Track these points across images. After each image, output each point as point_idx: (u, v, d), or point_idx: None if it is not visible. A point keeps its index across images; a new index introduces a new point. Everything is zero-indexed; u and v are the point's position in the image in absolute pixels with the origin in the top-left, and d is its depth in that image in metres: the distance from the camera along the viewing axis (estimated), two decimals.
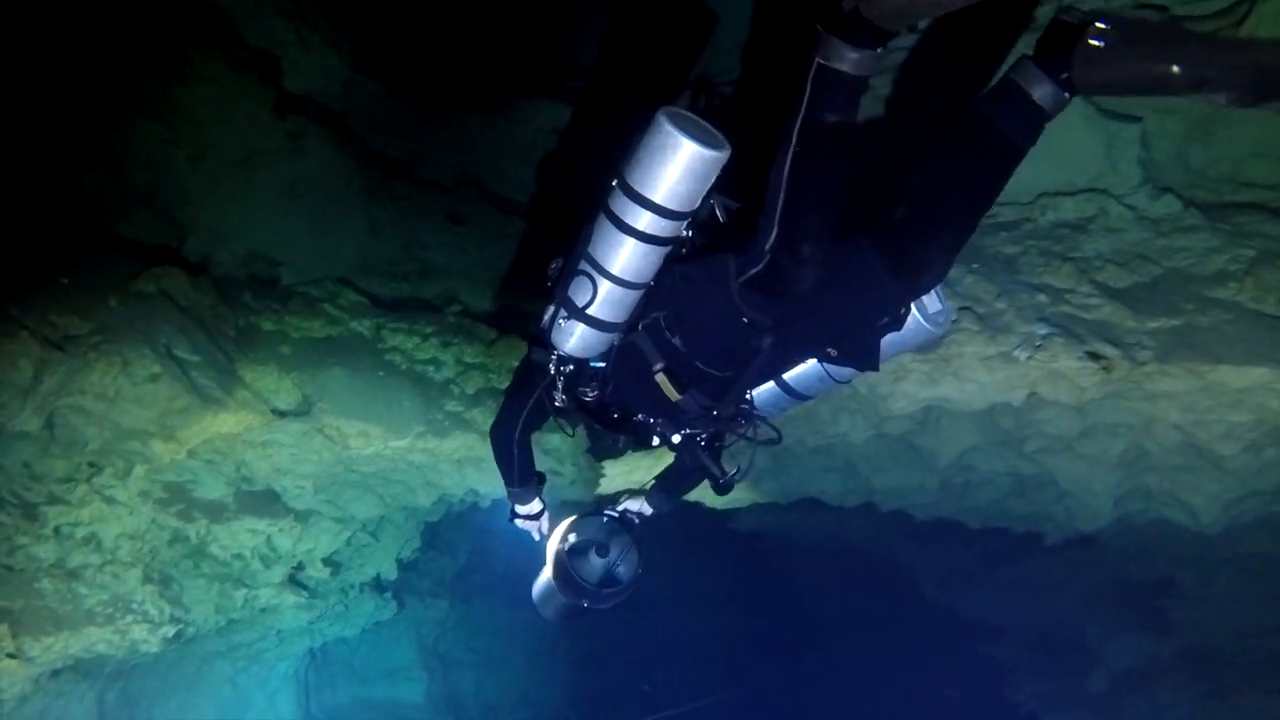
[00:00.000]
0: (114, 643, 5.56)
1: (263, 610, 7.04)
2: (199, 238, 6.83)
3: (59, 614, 5.43)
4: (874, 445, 5.34)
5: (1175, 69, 1.88)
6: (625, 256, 2.49)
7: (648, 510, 3.62)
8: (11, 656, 5.04)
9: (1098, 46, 1.98)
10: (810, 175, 2.21)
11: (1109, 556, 7.41)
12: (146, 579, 5.91)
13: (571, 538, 3.29)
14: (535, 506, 3.59)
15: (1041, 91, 2.10)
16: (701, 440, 2.93)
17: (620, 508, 3.61)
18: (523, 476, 3.41)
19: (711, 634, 15.76)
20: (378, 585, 9.08)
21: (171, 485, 6.03)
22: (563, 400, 2.87)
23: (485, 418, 6.35)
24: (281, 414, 5.99)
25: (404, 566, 8.74)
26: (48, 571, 5.52)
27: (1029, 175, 4.51)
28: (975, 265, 4.38)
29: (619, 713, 14.69)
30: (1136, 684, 7.35)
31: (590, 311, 2.60)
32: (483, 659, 13.63)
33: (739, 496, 6.40)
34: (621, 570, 3.26)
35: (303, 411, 6.09)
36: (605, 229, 2.49)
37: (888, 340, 2.66)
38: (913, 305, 2.60)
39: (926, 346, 3.10)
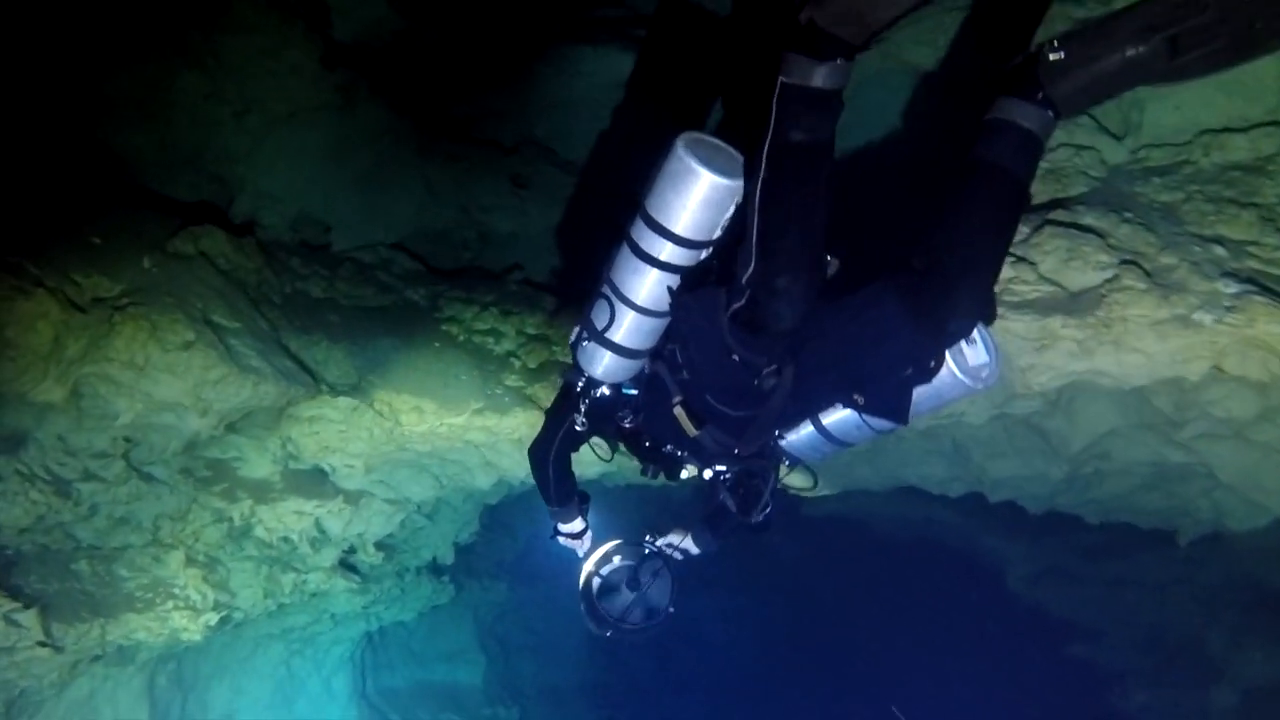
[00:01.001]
0: (153, 630, 5.14)
1: (314, 595, 6.60)
2: (246, 199, 6.35)
3: (96, 599, 5.02)
4: (993, 428, 4.61)
5: (1141, 47, 1.83)
6: (646, 285, 2.44)
7: (693, 549, 3.44)
8: (43, 645, 4.64)
9: (1059, 58, 1.95)
10: (782, 202, 2.09)
11: (1239, 556, 6.57)
12: (190, 562, 5.48)
13: (605, 567, 3.24)
14: (577, 525, 3.50)
15: (1025, 116, 2.04)
16: (726, 478, 2.87)
17: (664, 541, 3.43)
18: (561, 496, 3.35)
19: (774, 620, 15.11)
20: (434, 569, 8.63)
21: (215, 463, 5.59)
22: (583, 424, 2.83)
23: (548, 393, 5.76)
24: (330, 387, 5.49)
25: (461, 549, 8.27)
26: (86, 552, 5.12)
27: (1186, 110, 3.73)
28: (1128, 214, 3.63)
29: (681, 702, 14.16)
30: (1269, 700, 6.50)
31: (610, 336, 2.57)
32: (542, 642, 13.21)
33: (828, 484, 5.73)
34: (649, 607, 3.16)
35: (352, 385, 5.59)
36: (626, 256, 2.44)
37: (924, 392, 2.50)
38: (950, 357, 2.42)
39: (971, 396, 2.74)
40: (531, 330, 6.45)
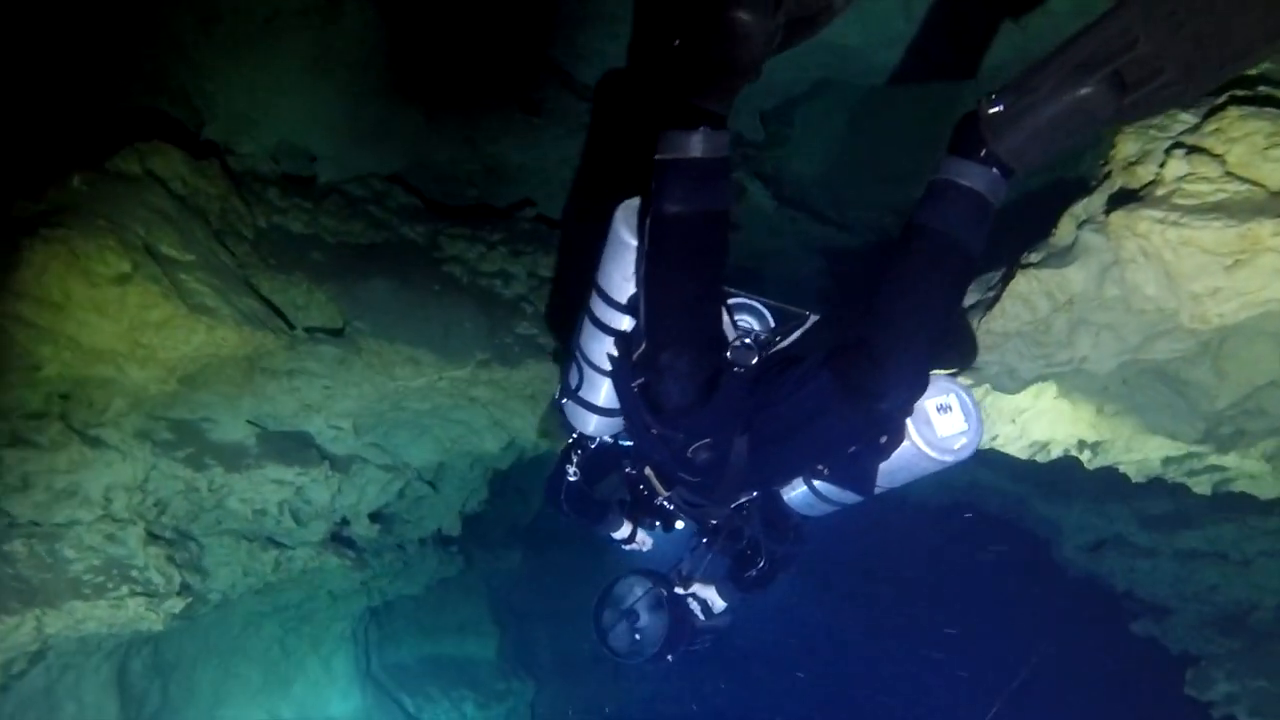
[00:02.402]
0: (104, 619, 4.30)
1: (304, 572, 5.78)
2: (218, 124, 5.40)
3: (34, 585, 4.18)
4: (1120, 377, 3.69)
5: (1082, 89, 1.69)
6: (604, 352, 2.43)
7: (716, 603, 3.20)
8: None
9: (997, 111, 1.82)
10: (663, 280, 2.04)
11: None
12: (151, 539, 4.64)
13: (622, 587, 3.12)
14: (625, 529, 3.33)
15: (968, 175, 1.87)
16: (718, 535, 2.79)
17: (688, 591, 3.14)
18: (591, 520, 3.23)
19: (796, 591, 14.32)
20: (440, 540, 7.80)
21: (178, 425, 4.72)
22: (575, 474, 2.80)
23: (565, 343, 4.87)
24: (310, 334, 4.60)
25: (470, 519, 7.43)
26: (23, 531, 4.28)
27: None
28: None
29: (699, 672, 13.42)
30: None
31: (584, 397, 2.59)
32: (559, 611, 12.44)
33: None
34: (636, 640, 3.04)
35: (336, 333, 4.70)
36: (586, 323, 2.45)
37: (891, 465, 2.36)
38: (914, 428, 2.30)
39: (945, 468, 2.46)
40: (545, 272, 5.54)
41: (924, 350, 2.06)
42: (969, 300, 3.76)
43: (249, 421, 4.95)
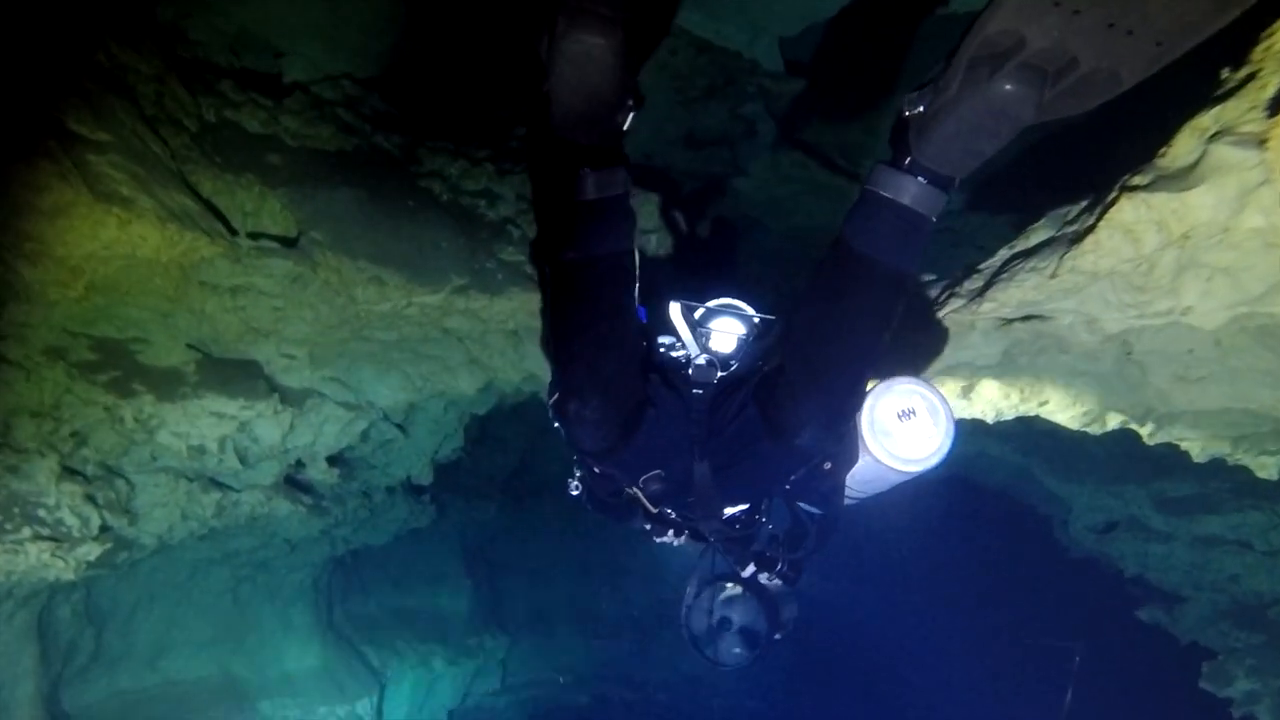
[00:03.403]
0: None
1: (253, 518, 5.13)
2: (174, 4, 4.63)
3: None
4: (1215, 337, 3.06)
5: (996, 85, 1.53)
6: None
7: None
8: None
9: (919, 113, 1.67)
10: (560, 327, 1.94)
11: None
12: (67, 474, 3.97)
13: (695, 611, 2.93)
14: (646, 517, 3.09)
15: (895, 187, 1.74)
16: (724, 542, 2.66)
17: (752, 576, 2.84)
18: (616, 520, 2.87)
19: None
20: (411, 488, 7.17)
21: (103, 344, 4.02)
22: (577, 487, 2.56)
23: None
24: (256, 242, 3.89)
25: (444, 468, 6.78)
26: None
27: None
28: None
29: (677, 634, 12.94)
30: None
31: None
32: (536, 566, 11.90)
33: None
34: (747, 636, 2.86)
35: (289, 242, 4.00)
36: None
37: (857, 477, 2.30)
38: (874, 440, 2.16)
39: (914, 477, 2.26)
40: None
41: (844, 380, 1.99)
42: (1042, 235, 3.12)
43: (188, 346, 4.26)
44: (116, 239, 3.03)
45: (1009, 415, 4.22)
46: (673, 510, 2.45)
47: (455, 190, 4.84)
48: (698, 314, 2.53)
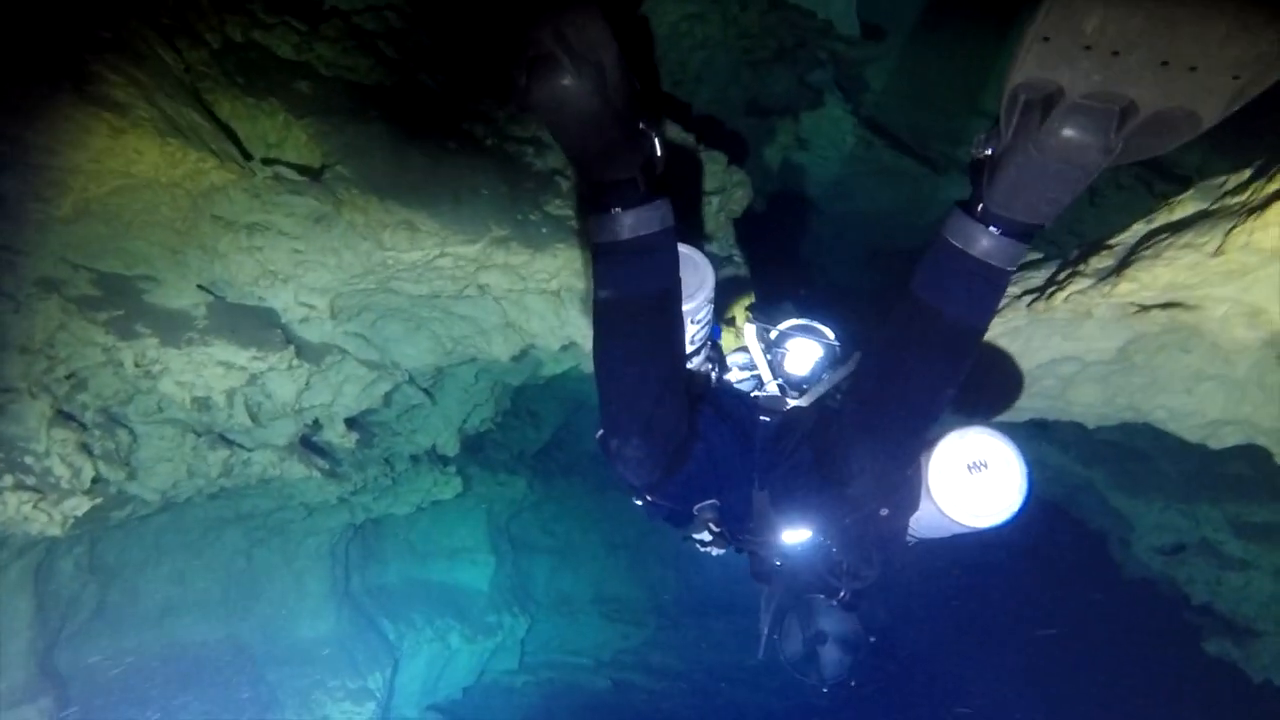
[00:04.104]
0: None
1: (264, 480, 4.75)
2: None
3: None
4: None
5: (1064, 129, 1.42)
6: None
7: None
8: None
9: (986, 154, 1.59)
10: (605, 366, 1.95)
11: None
12: (60, 419, 3.59)
13: (788, 633, 2.73)
14: (707, 536, 2.73)
15: (967, 237, 1.65)
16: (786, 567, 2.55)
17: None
18: (675, 526, 2.67)
19: None
20: (436, 458, 6.77)
21: (107, 279, 3.62)
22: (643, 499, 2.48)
23: None
24: (274, 171, 3.46)
25: (471, 439, 6.37)
26: None
27: None
28: None
29: (703, 623, 12.52)
30: None
31: None
32: (560, 545, 11.52)
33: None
34: (844, 644, 2.66)
35: (312, 178, 3.56)
36: None
37: (925, 525, 2.21)
38: (942, 488, 2.07)
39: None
40: None
41: (900, 435, 1.97)
42: (1193, 207, 2.58)
43: (199, 287, 3.85)
44: (106, 149, 2.61)
45: (1113, 421, 3.68)
46: (733, 534, 2.40)
47: (501, 135, 4.38)
48: (773, 335, 2.53)
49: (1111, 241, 2.76)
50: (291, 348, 3.91)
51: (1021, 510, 2.09)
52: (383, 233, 3.50)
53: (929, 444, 2.13)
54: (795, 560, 2.42)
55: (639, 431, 2.01)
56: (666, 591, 12.58)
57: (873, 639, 2.75)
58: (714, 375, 2.53)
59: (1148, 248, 2.53)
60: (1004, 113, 1.49)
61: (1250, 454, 6.41)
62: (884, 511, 2.18)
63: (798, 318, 2.60)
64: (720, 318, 2.38)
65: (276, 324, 3.95)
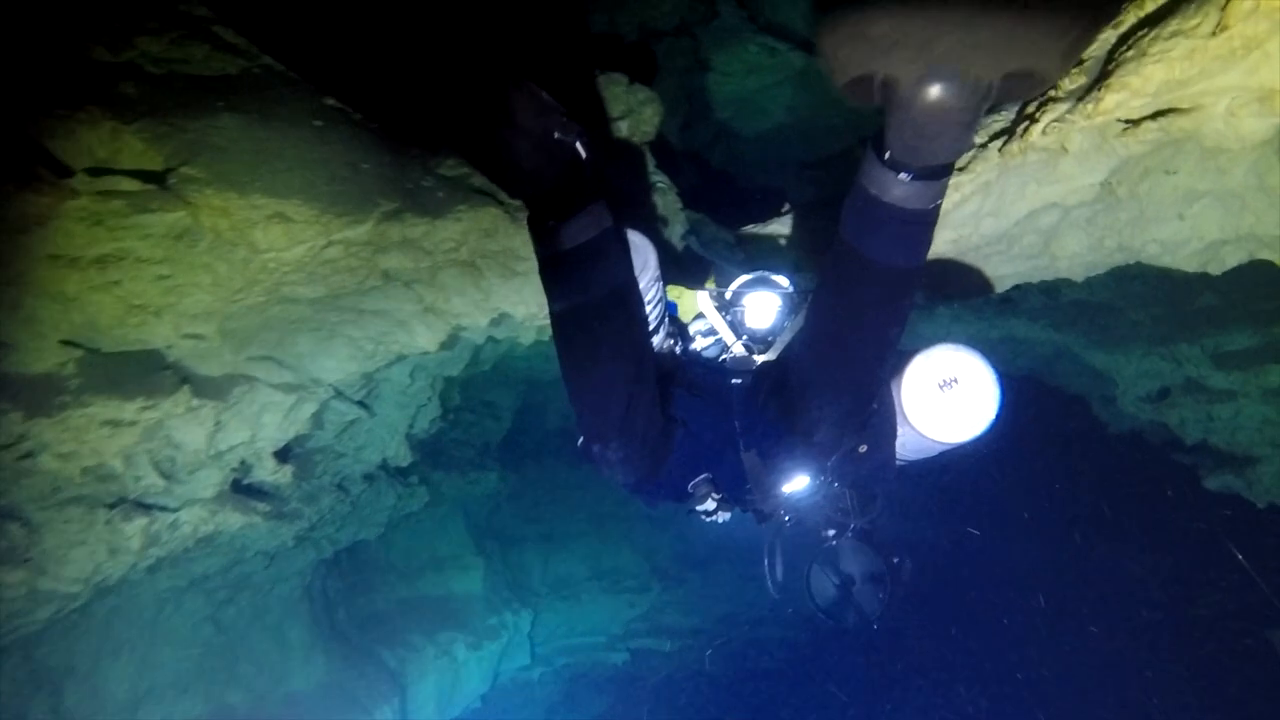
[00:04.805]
0: None
1: (201, 541, 4.22)
2: None
3: None
4: None
5: (927, 89, 1.40)
6: None
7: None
8: None
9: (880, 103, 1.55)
10: (570, 374, 1.94)
11: None
12: None
13: (815, 576, 2.72)
14: (710, 506, 2.68)
15: (881, 184, 1.64)
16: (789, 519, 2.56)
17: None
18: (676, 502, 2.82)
19: None
20: (392, 471, 6.28)
21: None
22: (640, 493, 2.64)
23: None
24: (109, 188, 2.91)
25: (423, 443, 5.88)
26: None
27: None
28: None
29: (707, 581, 12.26)
30: None
31: None
32: (546, 530, 11.11)
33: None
34: (871, 580, 2.67)
35: (156, 184, 3.02)
36: None
37: (909, 449, 2.24)
38: (917, 409, 2.10)
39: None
40: None
41: (854, 379, 1.96)
42: None
43: (63, 342, 3.30)
44: None
45: (1102, 269, 3.36)
46: (734, 499, 2.39)
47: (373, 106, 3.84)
48: (728, 295, 2.50)
49: (1081, 57, 2.38)
50: (186, 388, 3.38)
51: (998, 417, 2.08)
52: (253, 232, 2.99)
53: (897, 369, 2.11)
54: (802, 508, 2.37)
55: (617, 434, 2.00)
56: (663, 552, 12.28)
57: (895, 560, 2.71)
58: (678, 348, 2.47)
59: (1128, 49, 2.14)
60: (864, 92, 1.44)
61: (1214, 283, 6.16)
62: (862, 448, 2.20)
63: (749, 272, 2.58)
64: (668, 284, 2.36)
65: (163, 365, 3.42)
